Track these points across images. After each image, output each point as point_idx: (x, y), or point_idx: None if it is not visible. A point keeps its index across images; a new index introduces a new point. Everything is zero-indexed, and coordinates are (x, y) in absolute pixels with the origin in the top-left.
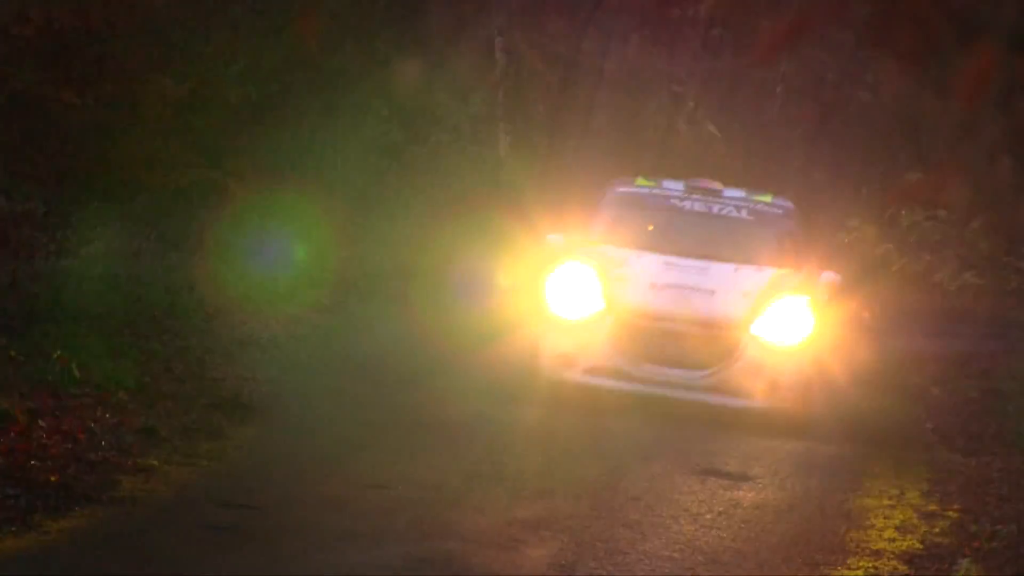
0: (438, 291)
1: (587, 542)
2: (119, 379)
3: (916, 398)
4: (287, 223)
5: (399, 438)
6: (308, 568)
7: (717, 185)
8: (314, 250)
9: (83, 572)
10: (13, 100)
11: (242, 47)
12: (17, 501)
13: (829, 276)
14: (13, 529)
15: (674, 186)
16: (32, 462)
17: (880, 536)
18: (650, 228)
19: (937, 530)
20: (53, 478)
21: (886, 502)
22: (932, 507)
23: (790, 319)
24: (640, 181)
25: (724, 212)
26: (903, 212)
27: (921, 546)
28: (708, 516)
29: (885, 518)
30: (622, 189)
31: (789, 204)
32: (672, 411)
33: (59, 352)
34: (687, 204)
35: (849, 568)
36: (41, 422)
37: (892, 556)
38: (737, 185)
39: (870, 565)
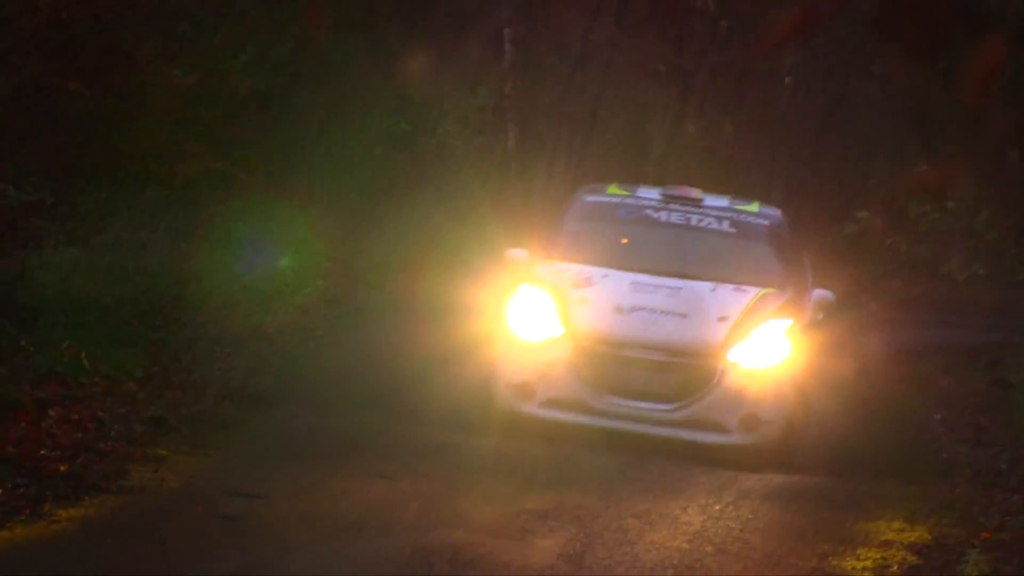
0: (446, 283)
1: None
2: (128, 369)
3: (925, 389)
4: (295, 214)
5: (408, 429)
6: (316, 557)
7: (697, 193)
8: (322, 241)
9: (92, 561)
10: (21, 90)
11: (250, 38)
12: (27, 490)
13: (821, 294)
14: (23, 518)
15: (649, 195)
16: (42, 451)
17: (889, 527)
18: (624, 242)
19: (946, 521)
20: (63, 467)
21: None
22: (941, 498)
23: (772, 345)
24: (612, 189)
25: (703, 224)
26: (911, 203)
27: (930, 537)
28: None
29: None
30: (591, 198)
31: (777, 214)
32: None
33: (68, 342)
34: (662, 215)
35: (858, 559)
36: (51, 412)
37: (901, 547)
38: (726, 190)
39: (879, 556)
